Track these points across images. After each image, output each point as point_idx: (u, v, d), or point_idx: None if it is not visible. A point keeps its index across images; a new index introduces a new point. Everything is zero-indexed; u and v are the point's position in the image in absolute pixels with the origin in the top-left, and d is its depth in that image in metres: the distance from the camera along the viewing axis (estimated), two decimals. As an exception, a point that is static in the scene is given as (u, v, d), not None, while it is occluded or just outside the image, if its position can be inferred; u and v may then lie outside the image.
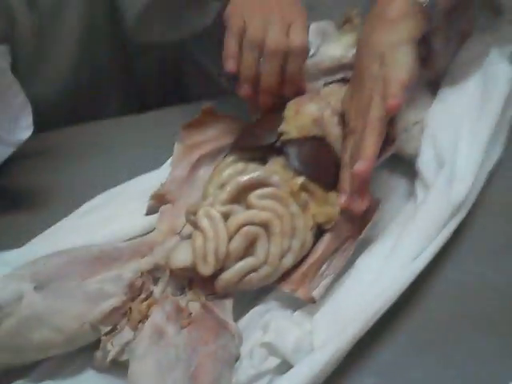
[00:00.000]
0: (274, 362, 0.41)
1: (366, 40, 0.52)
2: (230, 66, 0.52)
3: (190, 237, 0.45)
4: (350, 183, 0.47)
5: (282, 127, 0.50)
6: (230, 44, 0.52)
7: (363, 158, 0.45)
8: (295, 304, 0.45)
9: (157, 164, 0.58)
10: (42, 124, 0.56)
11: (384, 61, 0.48)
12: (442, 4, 0.52)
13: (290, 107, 0.52)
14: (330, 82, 0.60)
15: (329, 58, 0.63)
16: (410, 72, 0.48)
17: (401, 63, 0.48)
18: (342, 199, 0.47)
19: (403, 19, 0.50)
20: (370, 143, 0.46)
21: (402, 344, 0.44)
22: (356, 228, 0.47)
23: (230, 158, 0.50)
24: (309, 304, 0.44)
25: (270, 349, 0.41)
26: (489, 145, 0.53)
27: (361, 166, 0.45)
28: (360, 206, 0.47)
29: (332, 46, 0.63)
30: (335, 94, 0.56)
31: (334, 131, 0.52)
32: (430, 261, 0.46)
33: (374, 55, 0.49)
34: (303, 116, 0.51)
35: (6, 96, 0.52)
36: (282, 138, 0.50)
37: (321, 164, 0.50)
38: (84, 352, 0.42)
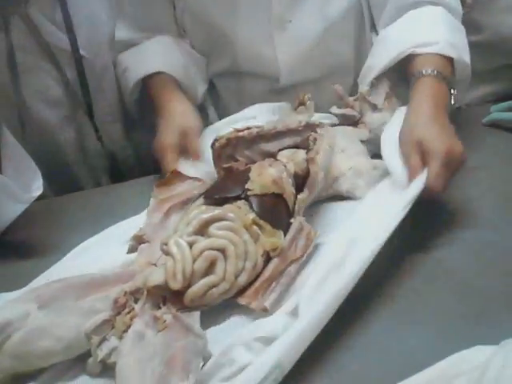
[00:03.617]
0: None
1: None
2: None
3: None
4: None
5: (249, 185, 0.62)
6: None
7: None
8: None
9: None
10: None
11: None
12: None
13: (255, 170, 0.65)
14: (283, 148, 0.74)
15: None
16: None
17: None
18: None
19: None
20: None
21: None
22: (298, 253, 0.59)
23: (196, 203, 0.62)
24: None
25: (266, 341, 0.49)
26: None
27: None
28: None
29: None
30: (289, 158, 0.69)
31: (288, 189, 0.64)
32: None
33: None
34: (265, 177, 0.64)
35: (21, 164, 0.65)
36: (249, 192, 0.61)
37: (274, 210, 0.62)
38: (79, 363, 0.51)
